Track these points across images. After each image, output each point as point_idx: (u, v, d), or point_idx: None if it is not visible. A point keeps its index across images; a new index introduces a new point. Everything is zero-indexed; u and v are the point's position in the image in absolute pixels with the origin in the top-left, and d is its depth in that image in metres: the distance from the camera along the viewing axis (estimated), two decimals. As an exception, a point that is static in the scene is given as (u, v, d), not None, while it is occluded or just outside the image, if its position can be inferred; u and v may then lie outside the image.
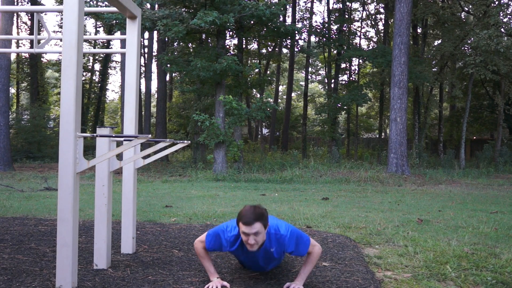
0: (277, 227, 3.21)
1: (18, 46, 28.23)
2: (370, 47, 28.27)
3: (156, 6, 18.56)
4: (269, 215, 3.25)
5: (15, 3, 23.51)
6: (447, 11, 21.20)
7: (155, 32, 20.28)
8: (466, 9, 22.42)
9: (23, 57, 30.59)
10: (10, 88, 23.61)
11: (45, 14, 34.66)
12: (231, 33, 18.85)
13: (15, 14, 25.57)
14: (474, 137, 30.56)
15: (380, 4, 27.53)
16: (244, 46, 23.09)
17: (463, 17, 24.30)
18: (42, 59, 30.31)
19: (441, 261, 3.87)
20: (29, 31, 30.23)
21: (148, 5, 16.90)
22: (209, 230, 3.38)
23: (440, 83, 23.99)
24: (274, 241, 3.21)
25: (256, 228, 3.03)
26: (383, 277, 3.44)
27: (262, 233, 3.09)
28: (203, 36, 20.42)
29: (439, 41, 24.49)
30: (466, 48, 21.77)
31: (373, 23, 29.80)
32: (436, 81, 22.02)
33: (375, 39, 29.84)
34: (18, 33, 29.59)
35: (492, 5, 19.26)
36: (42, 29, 26.85)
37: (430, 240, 4.71)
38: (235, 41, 21.44)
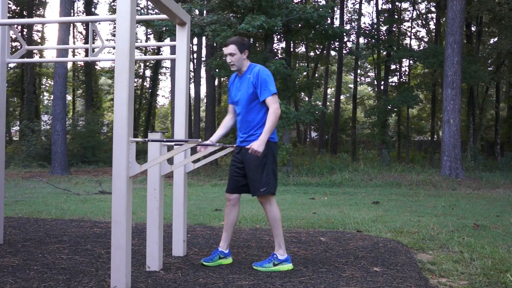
0: (261, 67, 3.80)
1: (74, 55, 29.40)
2: (421, 47, 27.58)
3: (205, 12, 18.86)
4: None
5: (72, 14, 24.50)
6: (504, 7, 20.36)
7: (204, 38, 20.61)
8: (525, 4, 21.46)
9: (79, 65, 31.84)
10: (67, 95, 24.56)
11: (98, 24, 35.98)
12: (278, 36, 18.88)
13: (71, 24, 26.65)
14: (535, 139, 29.15)
15: (431, 3, 26.81)
16: (292, 49, 23.07)
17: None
18: (96, 66, 31.46)
19: (500, 268, 3.71)
20: (84, 40, 31.43)
21: (197, 12, 17.18)
22: None
23: (497, 83, 23.10)
24: (252, 71, 3.77)
25: (230, 49, 3.71)
26: (437, 284, 3.33)
27: (237, 55, 3.72)
28: (251, 40, 20.57)
29: (495, 39, 23.57)
30: (525, 46, 20.83)
31: (424, 22, 29.05)
32: (492, 80, 21.21)
33: (426, 39, 29.09)
34: (74, 43, 30.83)
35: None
36: (96, 38, 27.89)
37: (487, 247, 4.52)
38: (283, 44, 21.45)
